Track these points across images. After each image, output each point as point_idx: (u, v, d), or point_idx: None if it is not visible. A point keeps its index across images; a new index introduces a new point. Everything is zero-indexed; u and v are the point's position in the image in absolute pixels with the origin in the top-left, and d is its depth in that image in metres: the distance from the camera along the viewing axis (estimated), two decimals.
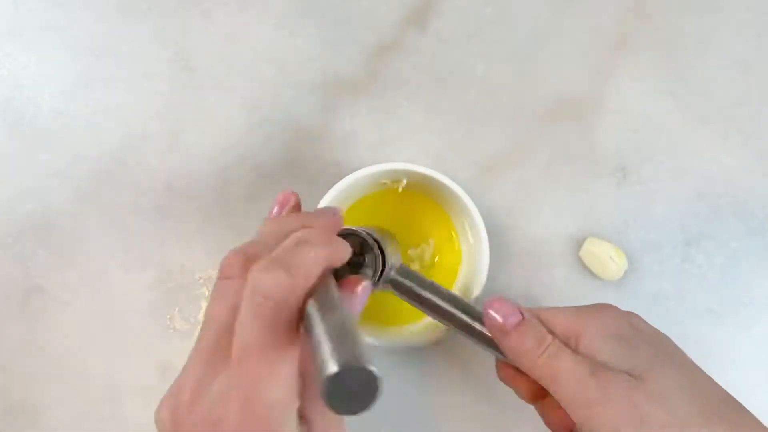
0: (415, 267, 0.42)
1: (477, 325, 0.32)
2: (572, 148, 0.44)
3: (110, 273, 0.43)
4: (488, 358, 0.38)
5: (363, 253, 0.32)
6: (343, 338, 0.22)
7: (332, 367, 0.20)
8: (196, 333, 0.43)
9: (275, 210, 0.33)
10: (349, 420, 0.43)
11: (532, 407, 0.34)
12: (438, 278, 0.41)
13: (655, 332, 0.32)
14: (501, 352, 0.32)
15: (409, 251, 0.41)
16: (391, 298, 0.41)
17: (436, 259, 0.42)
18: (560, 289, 0.43)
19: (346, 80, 0.45)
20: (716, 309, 0.43)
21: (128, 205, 0.44)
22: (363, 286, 0.28)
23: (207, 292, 0.44)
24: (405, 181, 0.40)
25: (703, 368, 0.31)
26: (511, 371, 0.34)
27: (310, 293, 0.25)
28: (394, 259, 0.34)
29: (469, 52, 0.45)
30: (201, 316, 0.43)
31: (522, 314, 0.31)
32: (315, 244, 0.26)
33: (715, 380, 0.30)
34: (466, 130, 0.45)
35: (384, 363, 0.43)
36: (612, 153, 0.44)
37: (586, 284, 0.43)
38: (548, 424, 0.33)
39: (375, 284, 0.32)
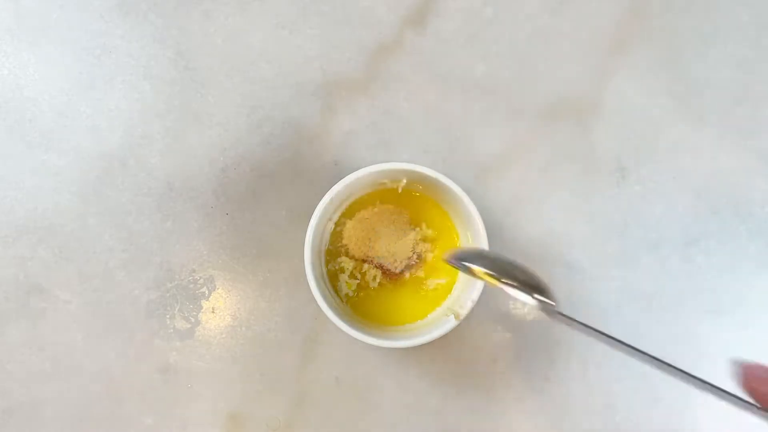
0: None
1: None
2: (572, 148, 0.45)
3: (110, 273, 0.43)
4: (486, 358, 0.38)
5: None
6: None
7: None
8: (196, 333, 0.43)
9: None
10: (347, 418, 0.43)
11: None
12: (438, 279, 0.42)
13: None
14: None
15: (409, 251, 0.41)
16: (392, 298, 0.41)
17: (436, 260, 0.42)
18: (559, 289, 0.43)
19: (346, 80, 0.45)
20: (715, 309, 0.43)
21: (128, 205, 0.44)
22: None
23: (207, 292, 0.44)
24: (405, 181, 0.40)
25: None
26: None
27: None
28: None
29: (469, 52, 0.45)
30: (201, 316, 0.43)
31: None
32: None
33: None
34: (466, 129, 0.45)
35: (384, 363, 0.43)
36: (612, 153, 0.44)
37: (585, 284, 0.43)
38: None
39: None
